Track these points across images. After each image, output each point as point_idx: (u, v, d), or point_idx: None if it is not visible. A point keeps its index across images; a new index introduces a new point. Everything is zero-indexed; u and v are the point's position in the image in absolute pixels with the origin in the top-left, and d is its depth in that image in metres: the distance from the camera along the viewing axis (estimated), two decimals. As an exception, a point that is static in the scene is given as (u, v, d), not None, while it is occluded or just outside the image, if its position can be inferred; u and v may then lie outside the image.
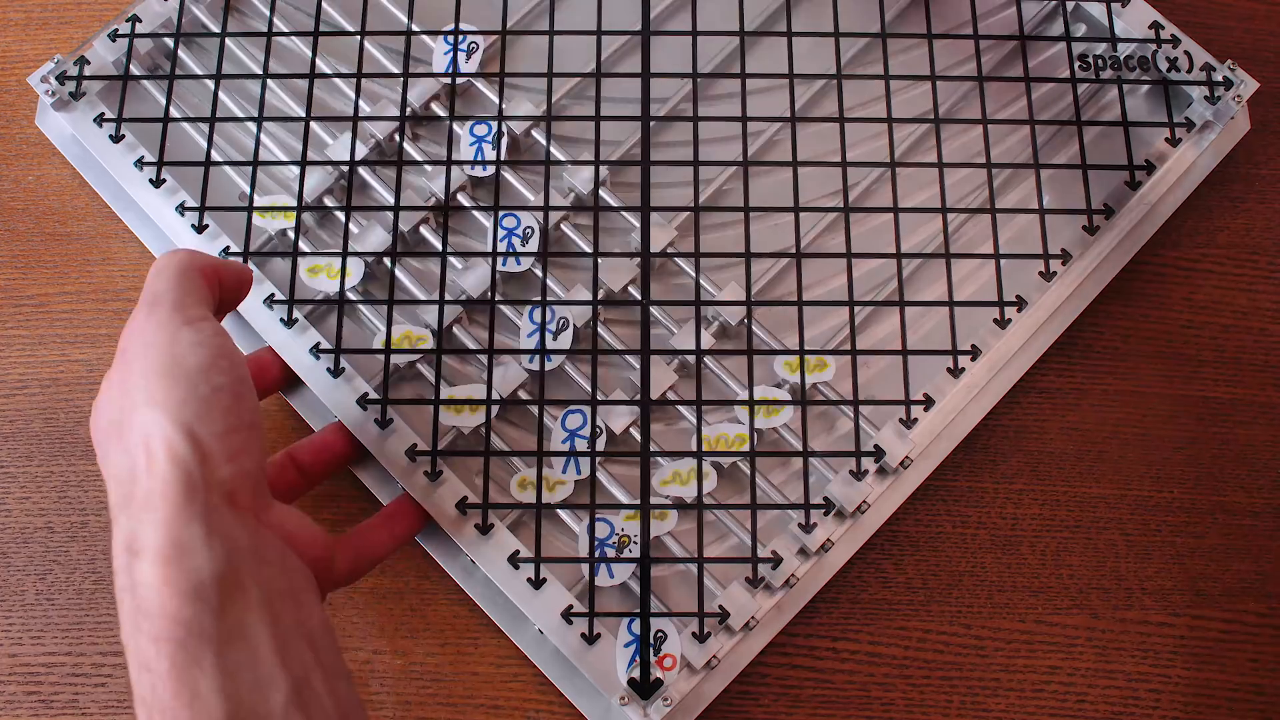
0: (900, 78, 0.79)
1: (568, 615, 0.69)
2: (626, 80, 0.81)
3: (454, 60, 0.80)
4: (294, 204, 0.75)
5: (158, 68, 0.82)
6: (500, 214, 0.76)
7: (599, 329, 0.75)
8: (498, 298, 0.75)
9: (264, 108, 0.78)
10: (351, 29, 0.81)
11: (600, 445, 0.72)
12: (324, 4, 0.83)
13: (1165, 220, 0.81)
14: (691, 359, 0.74)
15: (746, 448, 0.71)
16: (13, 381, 0.79)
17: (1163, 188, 0.79)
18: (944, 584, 0.76)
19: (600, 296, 0.74)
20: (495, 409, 0.72)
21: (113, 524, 0.54)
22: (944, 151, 0.81)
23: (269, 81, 0.79)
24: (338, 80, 0.81)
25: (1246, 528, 0.78)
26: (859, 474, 0.72)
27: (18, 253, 0.82)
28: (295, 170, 0.79)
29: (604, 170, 0.78)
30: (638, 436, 0.71)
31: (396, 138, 0.78)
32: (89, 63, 0.79)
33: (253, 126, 0.79)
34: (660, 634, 0.68)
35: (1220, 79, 0.80)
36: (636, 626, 0.68)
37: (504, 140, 0.78)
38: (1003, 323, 0.75)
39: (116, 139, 0.78)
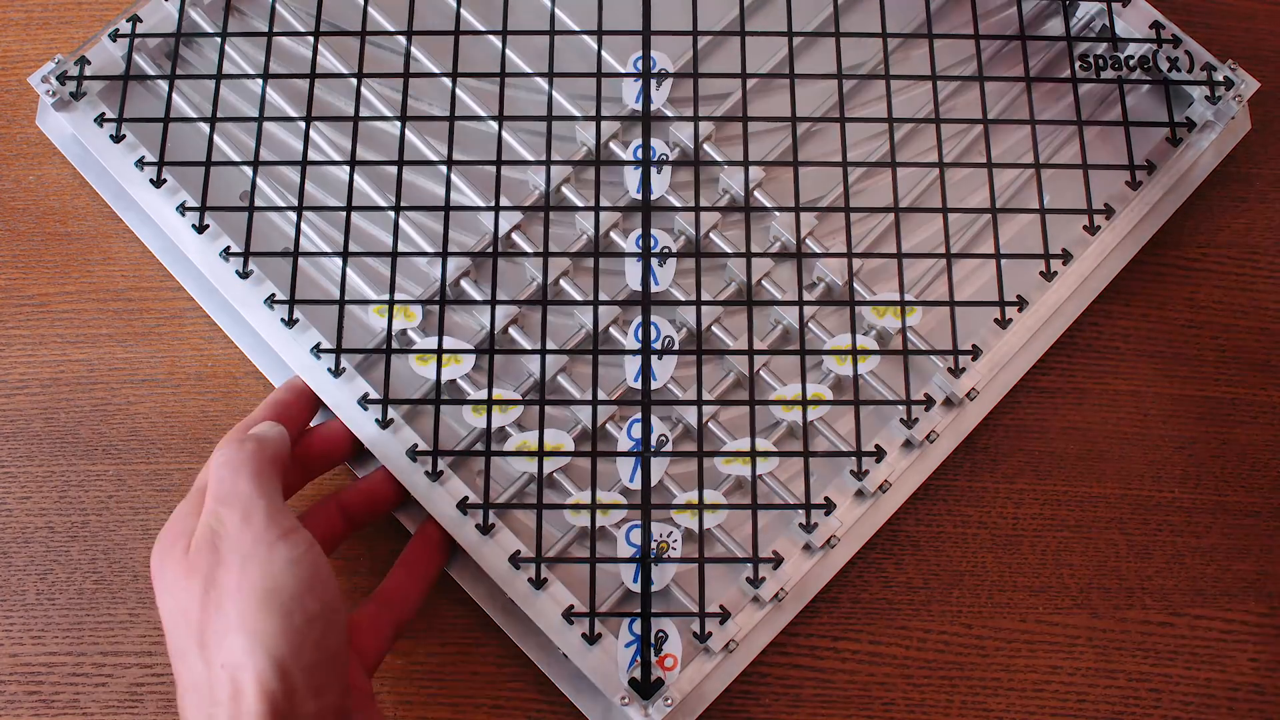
0: (900, 77, 0.79)
1: (569, 615, 0.69)
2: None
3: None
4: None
5: (159, 68, 0.82)
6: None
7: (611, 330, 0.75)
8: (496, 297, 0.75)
9: (264, 108, 0.78)
10: (393, 28, 0.81)
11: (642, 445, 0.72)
12: (370, 7, 0.83)
13: (1166, 220, 0.81)
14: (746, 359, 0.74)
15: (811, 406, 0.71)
16: (13, 381, 0.79)
17: (1163, 187, 0.79)
18: (944, 584, 0.76)
19: (618, 297, 0.75)
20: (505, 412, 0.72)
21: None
22: (975, 153, 0.81)
23: (309, 81, 0.79)
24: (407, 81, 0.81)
25: (1246, 528, 0.78)
26: (859, 473, 0.72)
27: (18, 252, 0.82)
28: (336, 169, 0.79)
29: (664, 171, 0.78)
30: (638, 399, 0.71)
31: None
32: (89, 63, 0.79)
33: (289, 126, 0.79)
34: (661, 634, 0.68)
35: (1221, 79, 0.80)
36: (637, 626, 0.68)
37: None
38: (1003, 323, 0.75)
39: (117, 139, 0.78)
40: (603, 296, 0.75)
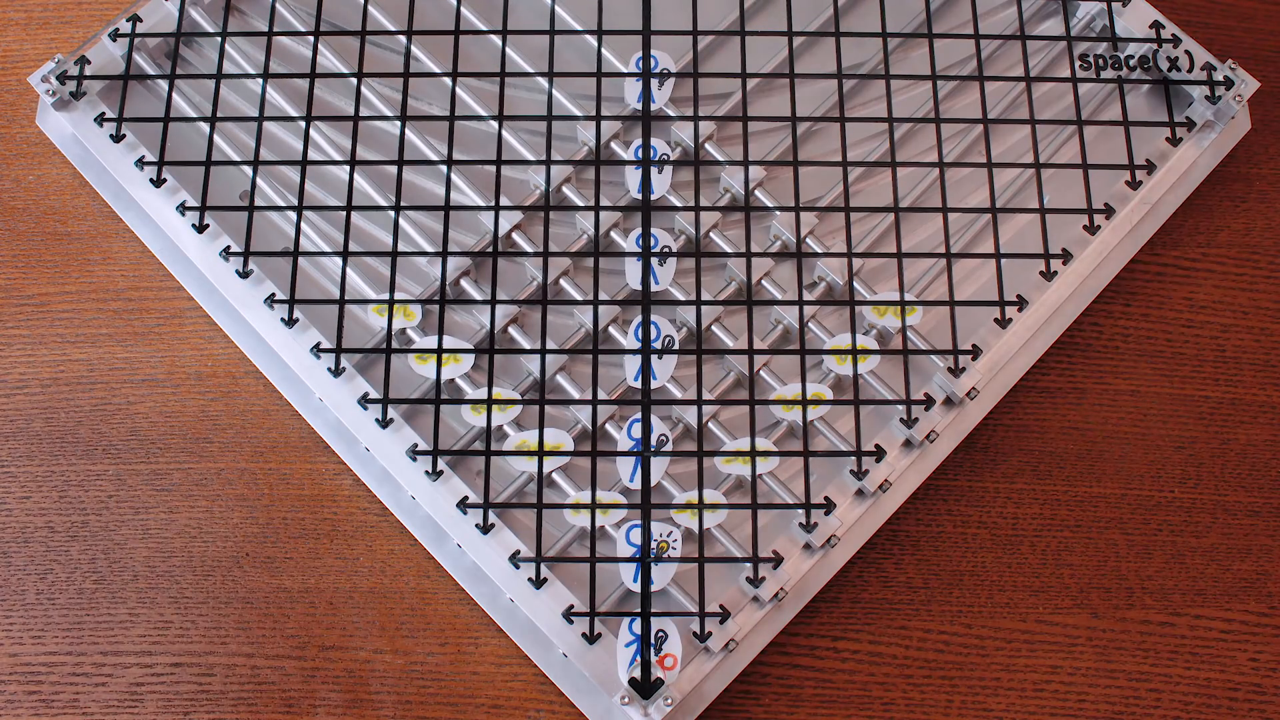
0: (900, 77, 0.79)
1: (569, 615, 0.69)
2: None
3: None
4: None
5: (159, 67, 0.82)
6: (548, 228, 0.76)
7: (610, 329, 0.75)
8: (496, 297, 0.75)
9: (264, 107, 0.78)
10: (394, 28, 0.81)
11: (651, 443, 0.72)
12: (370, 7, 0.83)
13: (1166, 220, 0.81)
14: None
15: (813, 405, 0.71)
16: (13, 381, 0.79)
17: (1163, 187, 0.79)
18: (944, 583, 0.76)
19: (617, 296, 0.75)
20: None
21: None
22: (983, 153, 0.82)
23: (299, 81, 0.79)
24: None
25: (1246, 528, 0.78)
26: (859, 473, 0.72)
27: (18, 252, 0.82)
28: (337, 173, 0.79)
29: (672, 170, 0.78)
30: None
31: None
32: (90, 62, 0.79)
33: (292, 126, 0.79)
34: (661, 633, 0.68)
35: (1221, 78, 0.80)
36: (637, 626, 0.68)
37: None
38: (1003, 322, 0.75)
39: (117, 139, 0.78)
40: (603, 296, 0.75)
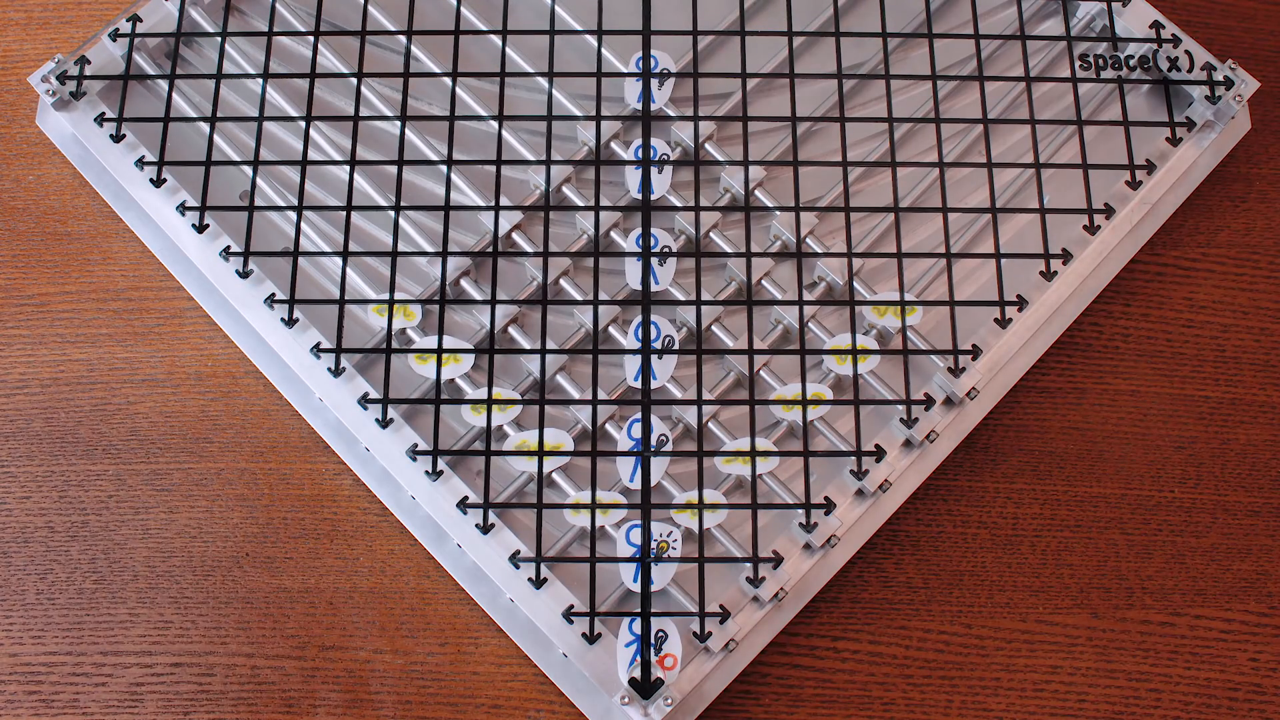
0: (900, 77, 0.79)
1: (569, 615, 0.69)
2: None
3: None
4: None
5: (159, 67, 0.82)
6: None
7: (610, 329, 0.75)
8: (497, 297, 0.75)
9: (264, 107, 0.78)
10: (395, 28, 0.81)
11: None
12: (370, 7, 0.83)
13: (1166, 220, 0.81)
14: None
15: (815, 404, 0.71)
16: (13, 381, 0.79)
17: (1163, 187, 0.79)
18: (944, 583, 0.76)
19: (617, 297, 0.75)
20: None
21: None
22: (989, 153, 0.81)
23: (297, 80, 0.79)
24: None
25: (1246, 528, 0.78)
26: (859, 473, 0.72)
27: (18, 252, 0.82)
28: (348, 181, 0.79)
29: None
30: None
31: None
32: (90, 62, 0.79)
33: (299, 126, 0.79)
34: (661, 633, 0.68)
35: (1221, 78, 0.80)
36: (637, 626, 0.68)
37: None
38: (1003, 322, 0.75)
39: (117, 139, 0.78)
40: (603, 296, 0.75)
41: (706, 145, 0.79)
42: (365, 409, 0.72)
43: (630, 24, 0.80)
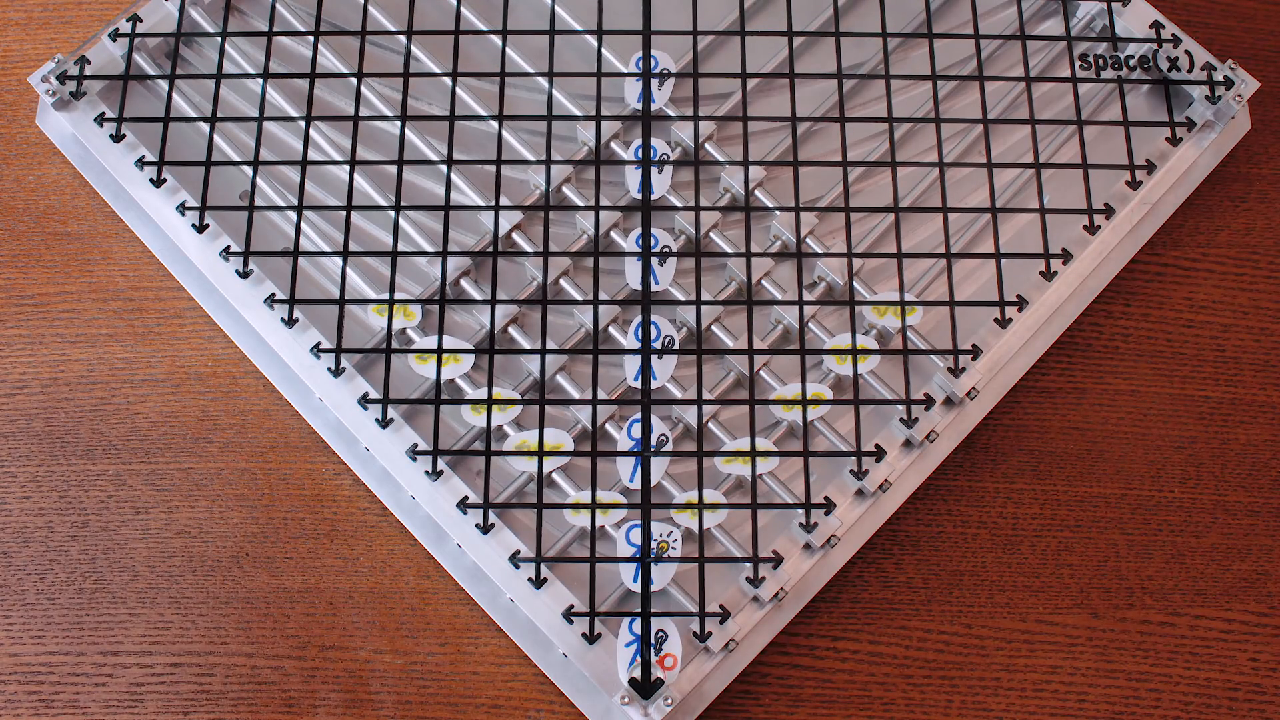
0: (900, 77, 0.79)
1: (569, 615, 0.69)
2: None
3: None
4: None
5: (159, 67, 0.82)
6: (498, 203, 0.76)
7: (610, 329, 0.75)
8: (496, 297, 0.75)
9: (264, 108, 0.78)
10: (395, 28, 0.81)
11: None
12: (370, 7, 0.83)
13: (1166, 220, 0.81)
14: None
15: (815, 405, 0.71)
16: (13, 381, 0.79)
17: (1163, 187, 0.79)
18: (944, 583, 0.76)
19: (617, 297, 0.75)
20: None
21: None
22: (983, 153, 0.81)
23: (295, 81, 0.79)
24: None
25: (1246, 528, 0.78)
26: (860, 473, 0.72)
27: (18, 252, 0.82)
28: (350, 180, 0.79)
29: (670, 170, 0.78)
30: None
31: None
32: (89, 62, 0.79)
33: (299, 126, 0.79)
34: (661, 633, 0.68)
35: (1221, 78, 0.80)
36: (637, 626, 0.68)
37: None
38: (1003, 322, 0.75)
39: (117, 139, 0.78)
40: (603, 296, 0.75)
41: (706, 145, 0.79)
42: (365, 409, 0.72)
43: (630, 24, 0.80)
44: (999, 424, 0.79)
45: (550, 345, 0.73)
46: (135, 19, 0.80)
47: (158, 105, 0.81)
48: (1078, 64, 0.81)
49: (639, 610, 0.68)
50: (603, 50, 0.80)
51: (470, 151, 0.81)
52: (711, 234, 0.77)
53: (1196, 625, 0.76)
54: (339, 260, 0.74)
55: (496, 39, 0.80)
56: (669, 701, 0.67)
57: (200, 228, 0.76)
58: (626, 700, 0.67)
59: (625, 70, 0.80)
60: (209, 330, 0.79)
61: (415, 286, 0.77)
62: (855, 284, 0.76)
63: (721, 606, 0.69)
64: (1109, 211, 0.78)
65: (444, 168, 0.78)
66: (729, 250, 0.77)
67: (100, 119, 0.78)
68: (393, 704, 0.73)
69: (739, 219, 0.79)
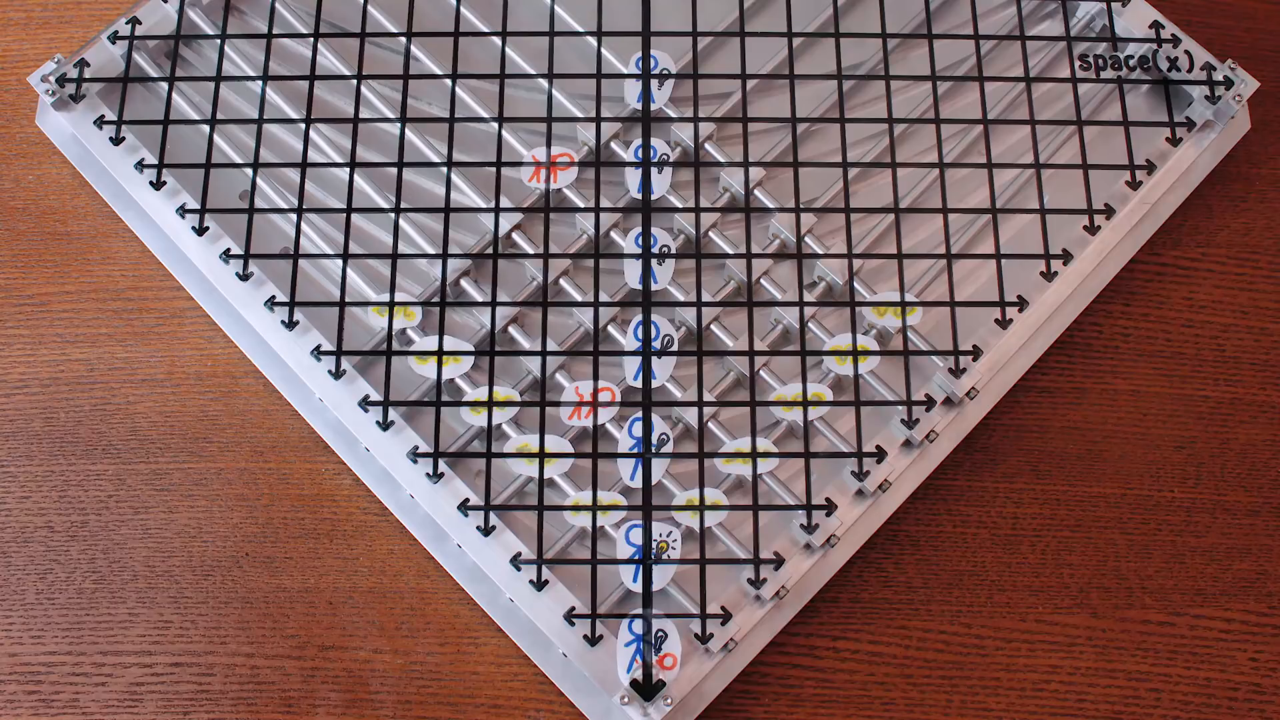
0: (900, 78, 0.79)
1: (570, 617, 0.69)
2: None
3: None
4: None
5: (159, 68, 0.82)
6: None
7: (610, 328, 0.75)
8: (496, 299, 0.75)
9: (264, 109, 0.78)
10: (396, 30, 0.81)
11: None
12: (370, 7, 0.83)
13: (1166, 220, 0.81)
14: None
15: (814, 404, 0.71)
16: (13, 381, 0.79)
17: (1163, 187, 0.79)
18: (944, 583, 0.76)
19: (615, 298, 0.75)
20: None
21: None
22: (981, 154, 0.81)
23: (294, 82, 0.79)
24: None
25: (1246, 527, 0.78)
26: (860, 474, 0.72)
27: (18, 252, 0.82)
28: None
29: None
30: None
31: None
32: (89, 64, 0.79)
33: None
34: (661, 633, 0.68)
35: (1221, 78, 0.80)
36: (638, 626, 0.68)
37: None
38: (1003, 323, 0.75)
39: (117, 141, 0.78)
40: (603, 296, 0.75)
41: (706, 145, 0.79)
42: (366, 411, 0.72)
43: (630, 25, 0.80)
44: (999, 424, 0.79)
45: (550, 345, 0.73)
46: (135, 21, 0.80)
47: (157, 106, 0.81)
48: (1077, 64, 0.81)
49: (639, 611, 0.68)
50: (603, 51, 0.80)
51: (470, 152, 0.81)
52: (711, 234, 0.77)
53: (1196, 625, 0.76)
54: (339, 261, 0.74)
55: (496, 39, 0.80)
56: (669, 701, 0.67)
57: (200, 230, 0.76)
58: (626, 700, 0.67)
59: (625, 71, 0.80)
60: (209, 330, 0.79)
61: (415, 287, 0.77)
62: (855, 284, 0.76)
63: (723, 608, 0.69)
64: (1109, 211, 0.78)
65: (444, 169, 0.78)
66: (729, 250, 0.77)
67: (100, 121, 0.78)
68: (392, 704, 0.73)
69: (739, 219, 0.79)
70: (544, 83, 0.79)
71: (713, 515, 0.70)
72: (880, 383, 0.75)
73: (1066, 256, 0.77)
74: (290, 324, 0.74)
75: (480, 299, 0.76)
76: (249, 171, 0.77)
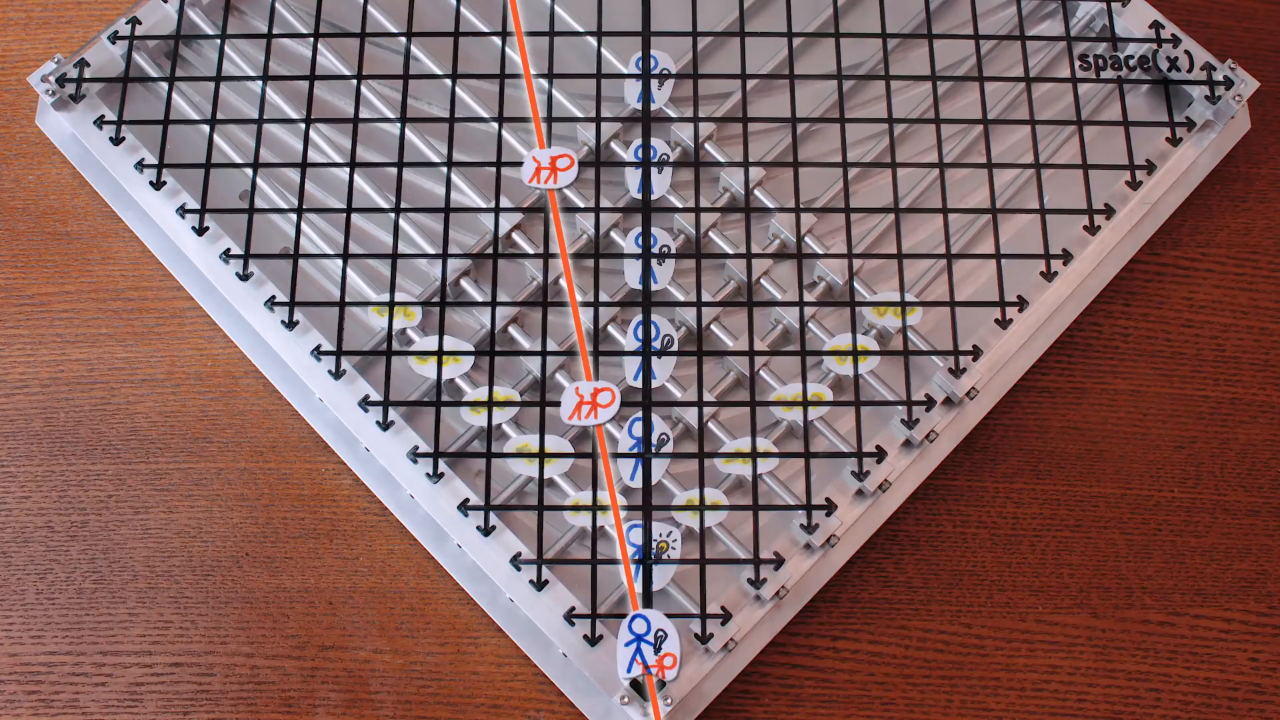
0: (900, 78, 0.79)
1: (570, 617, 0.69)
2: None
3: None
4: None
5: (159, 68, 0.82)
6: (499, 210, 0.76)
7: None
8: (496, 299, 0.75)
9: (264, 109, 0.78)
10: (396, 30, 0.81)
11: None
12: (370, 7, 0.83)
13: (1165, 220, 0.81)
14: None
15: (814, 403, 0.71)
16: (13, 381, 0.79)
17: (1163, 187, 0.79)
18: (944, 583, 0.76)
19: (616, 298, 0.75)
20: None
21: None
22: (975, 153, 0.81)
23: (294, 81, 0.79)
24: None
25: (1246, 527, 0.78)
26: (860, 474, 0.72)
27: (18, 252, 0.82)
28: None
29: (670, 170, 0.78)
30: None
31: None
32: (89, 65, 0.79)
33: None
34: (661, 633, 0.68)
35: (1221, 78, 0.80)
36: (637, 625, 0.68)
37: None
38: (1003, 323, 0.75)
39: (116, 141, 0.78)
40: (603, 296, 0.75)
41: (706, 145, 0.79)
42: (366, 411, 0.72)
43: (630, 25, 0.80)
44: (999, 424, 0.79)
45: (550, 345, 0.73)
46: (135, 21, 0.80)
47: (157, 105, 0.81)
48: (1077, 64, 0.81)
49: (639, 610, 0.68)
50: (602, 51, 0.80)
51: (470, 151, 0.81)
52: (711, 234, 0.77)
53: (1196, 625, 0.76)
54: (339, 261, 0.74)
55: (496, 39, 0.80)
56: (669, 701, 0.67)
57: (200, 230, 0.76)
58: (626, 700, 0.67)
59: (625, 71, 0.80)
60: (209, 330, 0.79)
61: (415, 286, 0.77)
62: (855, 284, 0.76)
63: (723, 608, 0.69)
64: (1109, 211, 0.78)
65: (444, 169, 0.78)
66: (729, 250, 0.77)
67: (100, 121, 0.78)
68: (392, 704, 0.73)
69: (739, 219, 0.79)
70: (544, 82, 0.79)
71: (713, 515, 0.70)
72: (880, 383, 0.75)
73: (1066, 256, 0.77)
74: (290, 324, 0.74)
75: (480, 299, 0.76)
76: (249, 171, 0.77)
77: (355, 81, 0.79)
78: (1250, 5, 0.89)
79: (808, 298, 0.76)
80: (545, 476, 0.71)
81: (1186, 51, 0.81)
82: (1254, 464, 0.79)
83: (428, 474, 0.71)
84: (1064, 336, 0.78)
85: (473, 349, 0.74)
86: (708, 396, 0.73)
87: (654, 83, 0.79)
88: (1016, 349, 0.75)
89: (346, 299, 0.74)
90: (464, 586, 0.72)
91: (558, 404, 0.72)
